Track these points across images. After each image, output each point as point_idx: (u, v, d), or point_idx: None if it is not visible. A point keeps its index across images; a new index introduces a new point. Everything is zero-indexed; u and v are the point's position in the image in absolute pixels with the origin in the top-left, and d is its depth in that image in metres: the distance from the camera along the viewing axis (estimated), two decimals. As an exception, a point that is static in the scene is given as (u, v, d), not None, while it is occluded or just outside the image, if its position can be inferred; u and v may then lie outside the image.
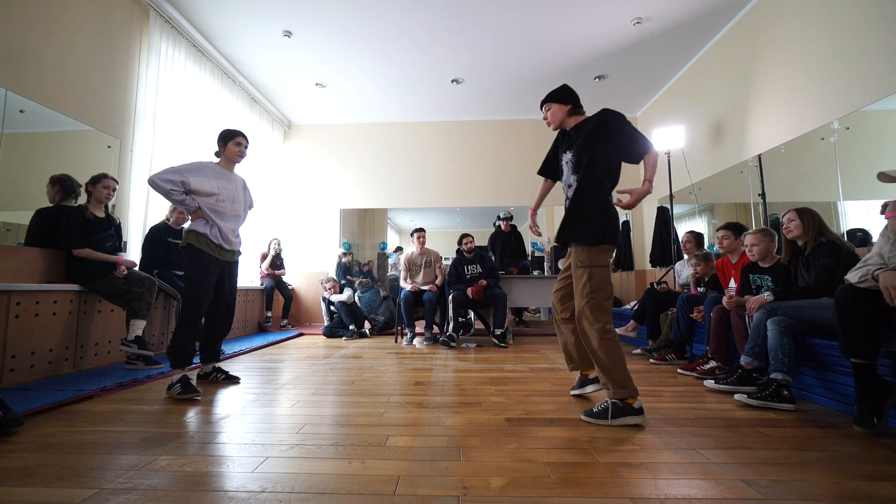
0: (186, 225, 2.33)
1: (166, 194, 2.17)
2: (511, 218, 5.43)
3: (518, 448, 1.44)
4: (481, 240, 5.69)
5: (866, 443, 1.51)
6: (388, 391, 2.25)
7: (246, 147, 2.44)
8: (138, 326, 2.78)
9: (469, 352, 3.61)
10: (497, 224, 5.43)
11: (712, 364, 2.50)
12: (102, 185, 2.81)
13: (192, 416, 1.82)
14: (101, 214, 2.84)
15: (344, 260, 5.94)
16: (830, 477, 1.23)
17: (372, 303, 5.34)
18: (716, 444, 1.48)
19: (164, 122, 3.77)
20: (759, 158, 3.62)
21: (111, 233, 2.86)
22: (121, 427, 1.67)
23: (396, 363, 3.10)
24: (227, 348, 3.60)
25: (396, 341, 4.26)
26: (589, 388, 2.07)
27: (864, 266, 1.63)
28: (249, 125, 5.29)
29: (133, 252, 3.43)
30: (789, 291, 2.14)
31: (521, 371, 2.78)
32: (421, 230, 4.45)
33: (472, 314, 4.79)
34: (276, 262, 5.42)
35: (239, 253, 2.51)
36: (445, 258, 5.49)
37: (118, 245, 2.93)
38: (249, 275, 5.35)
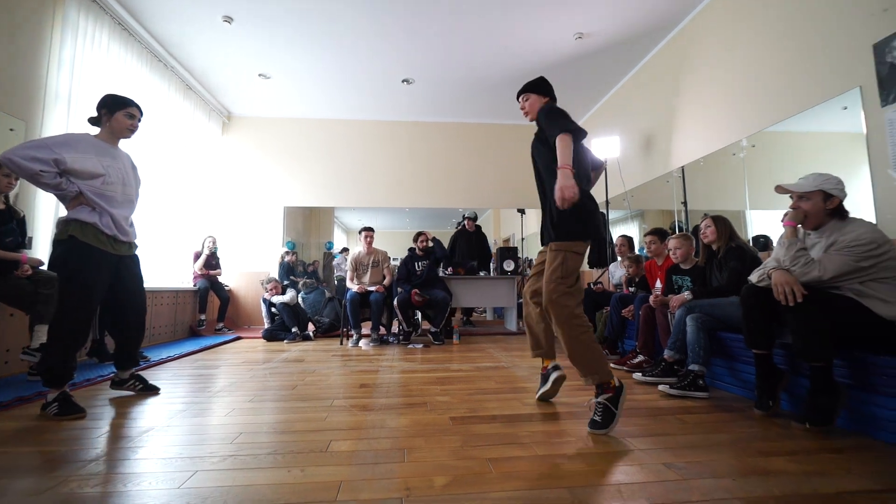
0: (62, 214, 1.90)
1: (32, 177, 1.71)
2: (476, 218, 5.47)
3: (462, 446, 1.47)
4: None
5: (764, 423, 1.71)
6: (332, 395, 2.20)
7: (139, 121, 2.07)
8: (44, 333, 2.48)
9: (416, 352, 3.62)
10: (461, 223, 5.45)
11: (640, 358, 2.70)
12: (2, 173, 2.40)
13: (107, 431, 1.66)
14: (1, 206, 2.50)
15: (287, 259, 5.70)
16: (735, 455, 1.39)
17: (316, 304, 5.17)
18: (641, 432, 1.61)
19: (82, 105, 3.39)
20: (683, 170, 3.97)
21: (13, 227, 2.52)
22: (19, 447, 1.48)
23: (341, 366, 3.03)
24: (153, 355, 3.32)
25: (342, 343, 4.16)
26: (552, 375, 1.99)
27: (763, 267, 1.84)
28: (184, 114, 4.92)
29: (40, 249, 3.05)
30: (705, 291, 2.37)
31: (467, 370, 2.84)
32: (369, 229, 4.39)
33: (419, 315, 4.80)
34: (212, 262, 5.08)
35: (135, 245, 2.18)
36: (394, 258, 5.45)
37: (21, 241, 2.60)
38: (181, 275, 4.97)
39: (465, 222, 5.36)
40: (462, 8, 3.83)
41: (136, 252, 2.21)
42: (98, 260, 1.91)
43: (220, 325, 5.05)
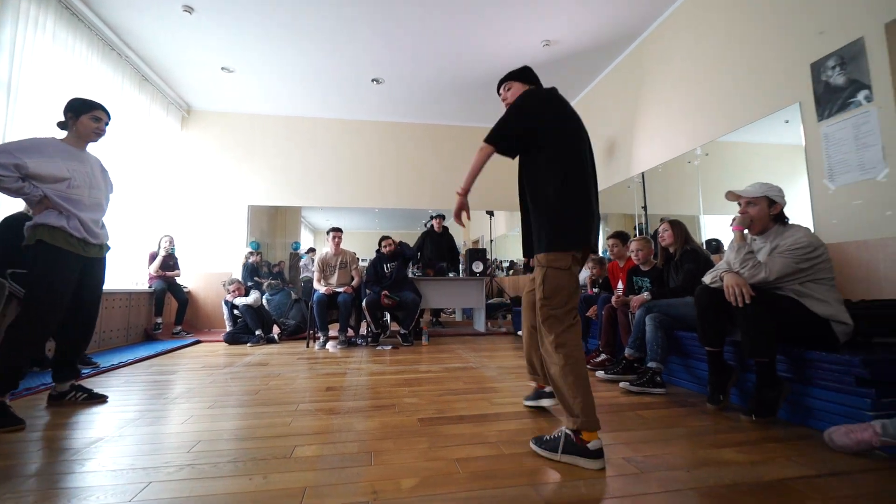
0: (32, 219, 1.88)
1: None
2: (444, 218, 5.43)
3: (429, 448, 1.48)
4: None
5: (715, 417, 1.81)
6: (297, 399, 2.14)
7: (106, 124, 2.05)
8: None
9: (384, 354, 3.59)
10: (429, 224, 5.41)
11: (603, 356, 2.80)
12: None
13: (49, 443, 1.55)
14: None
15: (251, 260, 5.51)
16: (689, 448, 1.46)
17: (282, 306, 5.03)
18: (603, 428, 1.64)
19: (24, 94, 3.15)
20: (643, 176, 4.15)
21: None
22: (-51, 463, 1.36)
23: (307, 369, 2.96)
24: (102, 361, 3.13)
25: (308, 346, 4.07)
26: (545, 402, 1.88)
27: (716, 270, 1.96)
28: (139, 107, 4.66)
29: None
30: (662, 291, 2.49)
31: (436, 371, 2.84)
32: (337, 230, 4.32)
33: (388, 316, 4.76)
34: (169, 263, 4.84)
35: (107, 247, 2.14)
36: (363, 259, 5.38)
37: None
38: (136, 276, 4.70)
39: (434, 222, 5.33)
40: (433, 10, 3.84)
41: (107, 253, 2.16)
42: (66, 263, 1.88)
43: (178, 328, 4.82)
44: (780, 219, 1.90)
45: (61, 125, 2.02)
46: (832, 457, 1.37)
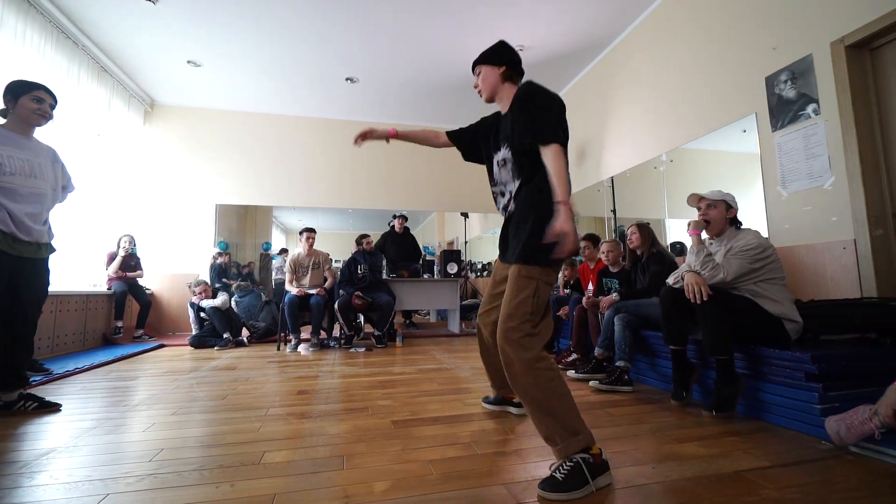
0: None
1: None
2: (406, 219, 5.44)
3: (403, 450, 1.47)
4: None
5: (679, 413, 1.89)
6: (267, 403, 2.09)
7: (52, 107, 1.94)
8: None
9: (358, 356, 3.55)
10: (391, 224, 5.40)
11: (574, 356, 2.87)
12: None
13: (-2, 455, 1.46)
14: None
15: (220, 261, 5.33)
16: (654, 443, 1.52)
17: (251, 308, 4.89)
18: (573, 427, 1.70)
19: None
20: (612, 180, 4.28)
21: None
22: None
23: (278, 372, 2.89)
24: (57, 367, 2.95)
25: (279, 349, 3.97)
26: (512, 409, 1.86)
27: (679, 271, 2.05)
28: (98, 100, 4.42)
29: None
30: (630, 292, 2.58)
31: (410, 373, 2.83)
32: (310, 230, 4.24)
33: (361, 318, 4.71)
34: (130, 263, 4.61)
35: (51, 249, 2.00)
36: (336, 260, 5.30)
37: None
38: (93, 278, 4.46)
39: (396, 222, 5.29)
40: (409, 10, 3.83)
41: (50, 255, 1.99)
42: None
43: (140, 332, 4.60)
44: (735, 223, 2.04)
45: (1, 112, 1.90)
46: (783, 448, 1.46)
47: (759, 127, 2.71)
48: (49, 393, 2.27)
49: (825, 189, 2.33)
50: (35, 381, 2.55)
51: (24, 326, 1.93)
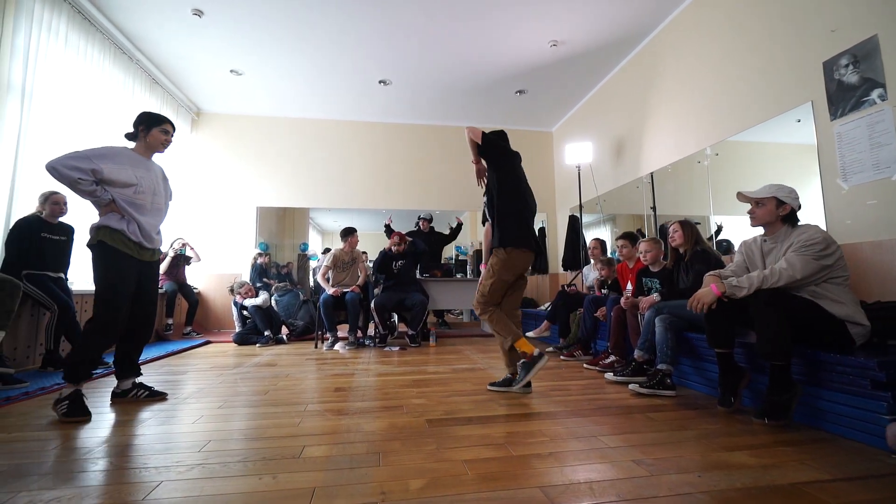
0: (96, 220, 2.02)
1: (72, 184, 1.87)
2: (431, 220, 5.57)
3: (437, 449, 1.48)
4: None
5: (726, 419, 1.79)
6: (306, 399, 2.16)
7: (172, 136, 2.25)
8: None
9: (392, 355, 3.60)
10: (417, 224, 5.56)
11: (612, 358, 2.78)
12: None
13: (64, 442, 1.58)
14: None
15: (260, 261, 5.56)
16: (700, 451, 1.44)
17: (290, 307, 5.06)
18: (612, 431, 1.65)
19: (39, 98, 3.22)
20: (652, 176, 4.11)
21: None
22: (-32, 461, 1.39)
23: (316, 370, 2.98)
24: (116, 361, 3.17)
25: (316, 347, 4.09)
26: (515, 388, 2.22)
27: (725, 270, 1.94)
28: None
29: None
30: (672, 292, 2.47)
31: (443, 372, 2.84)
32: (353, 230, 4.37)
33: (395, 317, 4.78)
34: (178, 262, 4.89)
35: (160, 252, 2.28)
36: (370, 260, 5.41)
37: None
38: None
39: (421, 223, 5.51)
40: (439, 12, 3.84)
41: (158, 259, 2.29)
42: (124, 264, 2.00)
43: (189, 328, 4.87)
44: (791, 220, 1.88)
45: (130, 136, 2.18)
46: (846, 461, 1.35)
47: (816, 115, 2.52)
48: (108, 385, 2.44)
49: (893, 181, 2.14)
50: (96, 374, 2.75)
51: (147, 317, 2.18)
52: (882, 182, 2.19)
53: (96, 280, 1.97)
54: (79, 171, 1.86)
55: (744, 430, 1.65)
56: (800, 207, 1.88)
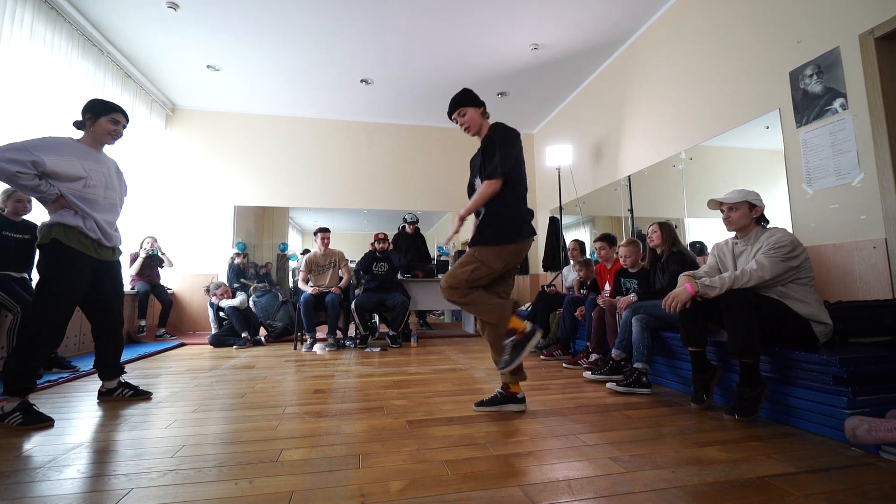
0: (46, 217, 1.89)
1: (11, 178, 1.70)
2: (417, 222, 5.52)
3: (418, 449, 1.47)
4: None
5: (699, 416, 1.84)
6: (284, 402, 2.12)
7: (123, 127, 2.08)
8: None
9: (373, 356, 3.57)
10: (402, 226, 5.50)
11: (594, 357, 2.83)
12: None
13: (28, 449, 1.51)
14: None
15: (237, 261, 5.43)
16: (674, 447, 1.49)
17: (269, 307, 4.97)
18: (590, 429, 1.68)
19: (1, 91, 3.07)
20: (629, 179, 4.21)
21: None
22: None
23: (295, 371, 2.93)
24: (83, 364, 3.05)
25: (296, 348, 4.03)
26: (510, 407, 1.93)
27: (699, 271, 2.01)
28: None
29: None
30: (649, 293, 2.53)
31: (424, 373, 2.84)
32: (325, 230, 4.29)
33: (376, 318, 4.75)
34: (151, 263, 4.74)
35: (119, 251, 2.16)
36: (351, 261, 5.35)
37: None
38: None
39: (407, 226, 5.44)
40: (422, 12, 3.84)
41: (119, 258, 2.19)
42: (80, 265, 1.87)
43: (162, 330, 4.72)
44: (761, 221, 1.97)
45: (78, 125, 2.02)
46: (810, 454, 1.41)
47: (783, 123, 2.63)
48: (77, 389, 2.35)
49: (854, 186, 2.25)
50: (62, 377, 2.64)
51: (113, 321, 2.11)
52: (844, 187, 2.30)
53: (43, 282, 1.81)
54: (17, 164, 1.69)
55: (715, 427, 1.70)
56: (764, 207, 1.97)
